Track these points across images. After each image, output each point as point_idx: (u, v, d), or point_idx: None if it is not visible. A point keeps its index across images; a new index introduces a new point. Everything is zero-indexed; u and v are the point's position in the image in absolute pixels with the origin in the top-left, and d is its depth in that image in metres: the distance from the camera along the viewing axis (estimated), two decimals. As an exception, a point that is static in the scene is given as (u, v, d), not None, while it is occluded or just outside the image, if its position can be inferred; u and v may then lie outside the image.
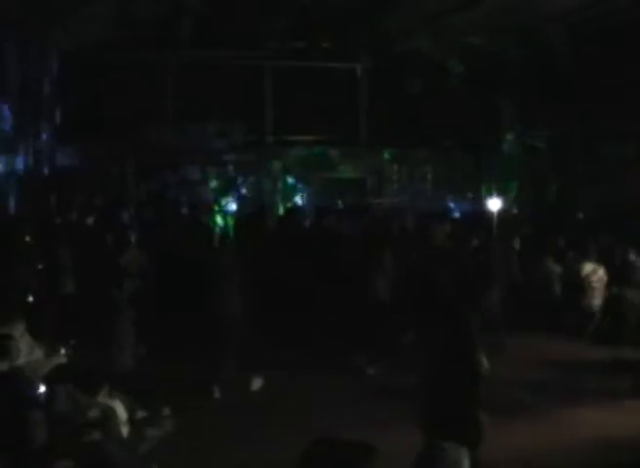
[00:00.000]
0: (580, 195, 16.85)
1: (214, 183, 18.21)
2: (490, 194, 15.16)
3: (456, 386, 5.69)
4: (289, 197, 18.94)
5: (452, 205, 18.73)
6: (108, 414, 6.81)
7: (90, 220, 13.43)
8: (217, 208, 17.45)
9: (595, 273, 12.33)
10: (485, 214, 14.58)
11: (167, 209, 16.29)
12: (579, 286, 12.43)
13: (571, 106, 16.25)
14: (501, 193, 16.30)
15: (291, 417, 8.42)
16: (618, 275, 12.45)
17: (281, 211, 17.76)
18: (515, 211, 17.70)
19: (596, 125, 15.86)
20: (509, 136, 18.94)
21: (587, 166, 16.67)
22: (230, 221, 16.69)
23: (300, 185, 19.19)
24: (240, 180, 18.74)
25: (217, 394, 9.23)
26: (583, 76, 15.90)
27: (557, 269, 13.12)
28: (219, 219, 16.90)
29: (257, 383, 9.58)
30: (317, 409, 8.66)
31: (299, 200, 18.88)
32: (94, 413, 6.75)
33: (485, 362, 5.83)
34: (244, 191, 18.70)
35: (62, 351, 7.94)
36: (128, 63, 17.62)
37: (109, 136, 17.23)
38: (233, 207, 17.84)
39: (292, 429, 7.84)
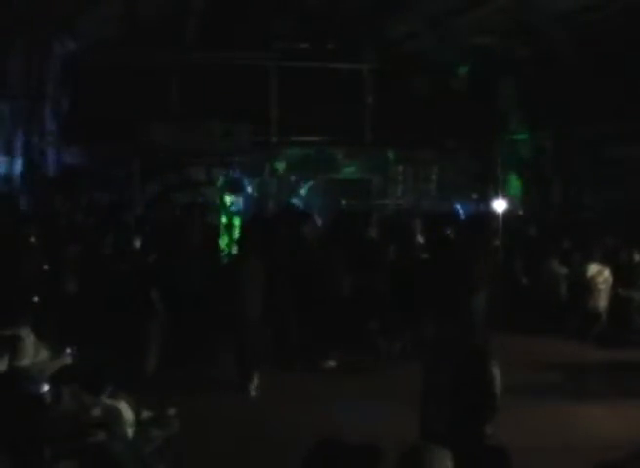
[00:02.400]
0: (586, 196, 16.80)
1: (219, 184, 18.20)
2: (495, 195, 15.13)
3: (464, 398, 5.61)
4: (293, 198, 18.92)
5: (457, 205, 18.70)
6: (114, 415, 6.78)
7: (96, 221, 13.39)
8: (222, 208, 17.44)
9: (601, 274, 12.30)
10: (490, 214, 14.59)
11: (172, 209, 16.27)
12: (584, 287, 12.40)
13: (576, 107, 16.22)
14: (507, 194, 16.28)
15: (294, 416, 8.51)
16: (623, 276, 12.43)
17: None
18: (520, 212, 17.66)
19: (602, 126, 15.82)
20: (514, 137, 18.90)
21: (593, 167, 16.64)
22: (236, 222, 16.68)
23: (304, 186, 19.17)
24: (245, 181, 18.73)
25: (253, 392, 9.58)
26: (588, 77, 15.86)
27: (562, 270, 13.09)
28: (224, 220, 16.89)
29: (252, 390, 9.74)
30: (318, 408, 8.74)
31: (303, 201, 18.87)
32: (99, 414, 6.72)
33: (497, 372, 5.75)
34: (249, 192, 18.69)
35: (68, 351, 7.93)
36: (133, 63, 17.62)
37: (114, 136, 17.23)
38: (239, 207, 17.85)
39: (296, 429, 7.89)
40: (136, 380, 8.37)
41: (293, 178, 19.39)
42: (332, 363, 10.63)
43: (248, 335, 9.77)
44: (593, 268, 12.36)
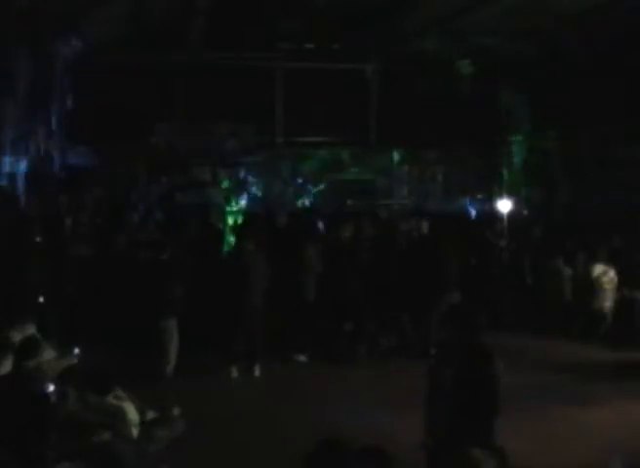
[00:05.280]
0: (592, 196, 16.75)
1: (224, 184, 18.23)
2: (500, 195, 15.12)
3: (466, 399, 5.64)
4: (298, 198, 18.91)
5: (463, 206, 18.69)
6: (118, 415, 6.80)
7: (102, 221, 13.43)
8: (227, 209, 17.46)
9: (606, 274, 12.27)
10: (495, 215, 14.59)
11: (177, 210, 16.30)
12: (589, 287, 12.38)
13: (582, 108, 16.20)
14: (512, 194, 16.25)
15: (296, 408, 8.82)
16: (629, 277, 12.40)
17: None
18: (525, 212, 17.62)
19: (608, 127, 15.80)
20: (520, 137, 18.87)
21: (599, 167, 16.61)
22: (240, 222, 16.70)
23: (309, 187, 19.15)
24: (250, 182, 18.74)
25: (234, 373, 10.19)
26: (595, 77, 15.84)
27: (568, 271, 13.06)
28: (229, 220, 16.90)
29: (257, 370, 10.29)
30: (319, 408, 8.84)
31: (307, 202, 18.87)
32: (104, 414, 6.74)
33: (499, 374, 5.79)
34: (254, 192, 18.70)
35: (75, 351, 7.95)
36: (139, 64, 17.63)
37: (120, 136, 17.24)
38: (243, 207, 17.87)
39: (299, 423, 8.14)
40: (153, 380, 8.49)
41: (299, 180, 19.38)
42: (303, 357, 10.82)
43: (254, 321, 10.28)
44: (598, 268, 12.33)
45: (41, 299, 10.05)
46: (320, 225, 13.99)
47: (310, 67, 18.70)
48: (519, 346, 11.00)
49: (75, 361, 7.79)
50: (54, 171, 16.23)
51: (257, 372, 10.24)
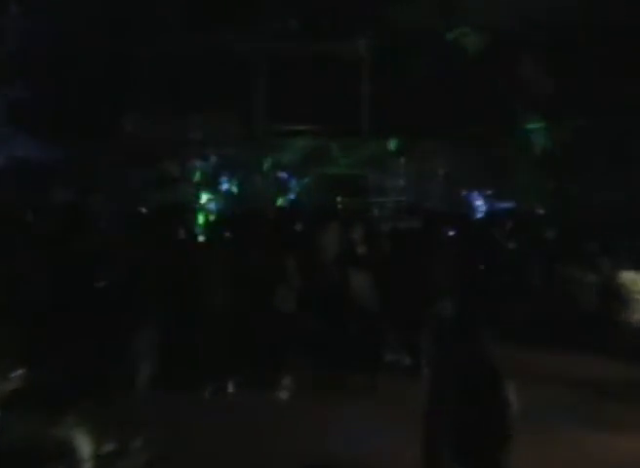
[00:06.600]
0: (614, 193, 16.67)
1: (195, 179, 18.22)
2: (510, 191, 15.06)
3: (474, 425, 5.67)
4: (280, 195, 18.90)
5: (467, 203, 18.67)
6: (69, 448, 6.64)
7: (51, 222, 13.26)
8: (197, 206, 17.45)
9: (636, 284, 12.11)
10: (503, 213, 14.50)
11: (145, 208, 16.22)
12: (614, 297, 12.20)
13: (597, 97, 16.17)
14: (524, 190, 16.21)
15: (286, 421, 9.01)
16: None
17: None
18: (537, 210, 17.56)
19: (623, 120, 15.81)
20: (535, 125, 18.80)
21: (614, 163, 16.63)
22: (212, 220, 16.67)
23: (294, 181, 19.14)
24: (226, 176, 18.72)
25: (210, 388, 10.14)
26: (608, 66, 15.86)
27: (588, 277, 12.91)
28: (200, 218, 16.86)
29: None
30: (312, 427, 8.83)
31: (290, 199, 18.86)
32: (51, 446, 6.55)
33: (513, 399, 5.79)
34: (230, 188, 18.67)
35: (17, 373, 7.72)
36: (105, 50, 17.61)
37: (84, 127, 17.15)
38: (217, 205, 17.88)
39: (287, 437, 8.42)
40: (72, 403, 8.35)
41: (281, 174, 19.35)
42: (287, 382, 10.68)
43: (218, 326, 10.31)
44: (625, 275, 12.18)
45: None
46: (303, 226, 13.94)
47: (296, 48, 18.67)
48: (528, 361, 10.80)
49: (20, 384, 7.58)
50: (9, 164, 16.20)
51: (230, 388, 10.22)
